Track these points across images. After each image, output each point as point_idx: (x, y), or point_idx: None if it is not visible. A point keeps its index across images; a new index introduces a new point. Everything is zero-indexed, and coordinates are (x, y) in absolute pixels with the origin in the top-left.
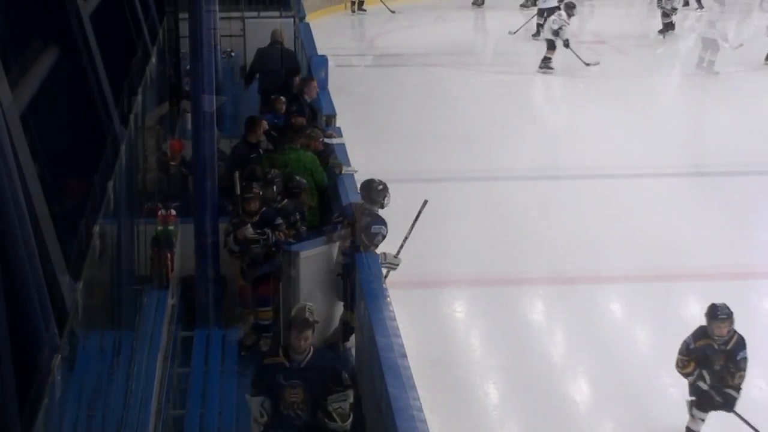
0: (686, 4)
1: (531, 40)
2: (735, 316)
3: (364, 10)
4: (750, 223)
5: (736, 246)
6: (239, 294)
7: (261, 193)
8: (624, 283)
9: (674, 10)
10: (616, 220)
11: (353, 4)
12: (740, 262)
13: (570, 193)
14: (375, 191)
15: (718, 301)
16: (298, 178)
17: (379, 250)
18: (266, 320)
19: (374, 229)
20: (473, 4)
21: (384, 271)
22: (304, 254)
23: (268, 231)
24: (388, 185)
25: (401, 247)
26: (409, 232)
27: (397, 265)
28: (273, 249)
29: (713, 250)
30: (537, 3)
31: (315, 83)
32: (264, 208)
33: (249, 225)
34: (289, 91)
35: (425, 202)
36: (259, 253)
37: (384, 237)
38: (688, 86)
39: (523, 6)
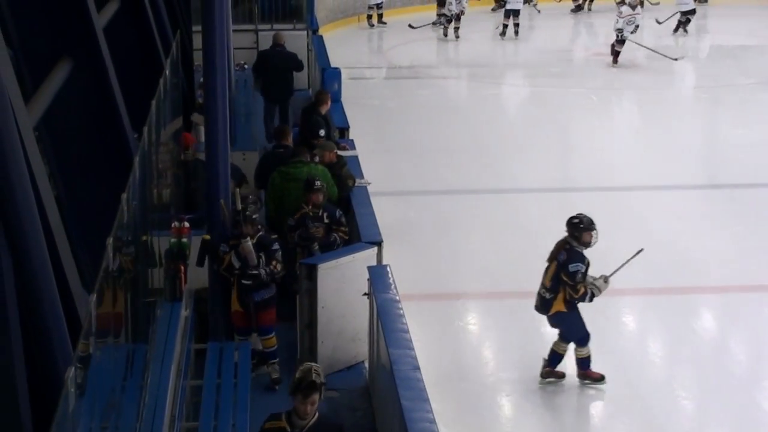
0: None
1: (542, 53)
2: (750, 329)
3: (384, 23)
4: (765, 235)
5: (750, 258)
6: (232, 320)
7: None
8: (637, 295)
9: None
10: (629, 232)
11: (370, 18)
12: (755, 274)
13: (583, 206)
14: (578, 229)
15: (732, 315)
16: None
17: None
18: (270, 348)
19: (572, 267)
20: (501, 34)
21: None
22: (322, 267)
23: (262, 256)
24: (401, 198)
25: (612, 274)
26: (617, 269)
27: (604, 287)
28: (268, 277)
29: (727, 262)
30: (505, 5)
31: (328, 97)
32: (261, 232)
33: (248, 239)
34: (290, 91)
35: (640, 250)
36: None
37: (583, 275)
38: (701, 98)
39: (493, 10)
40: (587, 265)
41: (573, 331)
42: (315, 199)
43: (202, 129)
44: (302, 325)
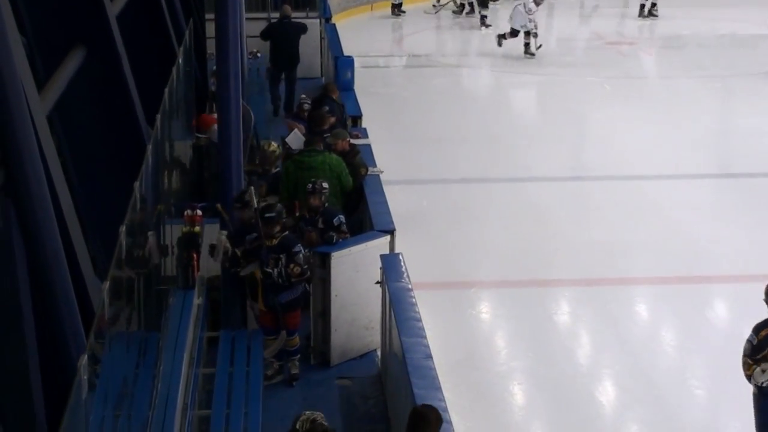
0: None
1: (556, 41)
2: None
3: (403, 12)
4: None
5: (765, 248)
6: (259, 321)
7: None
8: (651, 285)
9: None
10: (644, 221)
11: (393, 6)
12: None
13: (597, 195)
14: None
15: (745, 305)
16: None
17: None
18: (293, 347)
19: None
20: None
21: None
22: (336, 255)
23: (283, 259)
24: (414, 186)
25: None
26: None
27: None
28: (281, 279)
29: (742, 252)
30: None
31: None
32: (286, 232)
33: (224, 233)
34: (297, 58)
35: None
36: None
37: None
38: (714, 87)
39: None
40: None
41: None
42: (312, 201)
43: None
44: (315, 313)
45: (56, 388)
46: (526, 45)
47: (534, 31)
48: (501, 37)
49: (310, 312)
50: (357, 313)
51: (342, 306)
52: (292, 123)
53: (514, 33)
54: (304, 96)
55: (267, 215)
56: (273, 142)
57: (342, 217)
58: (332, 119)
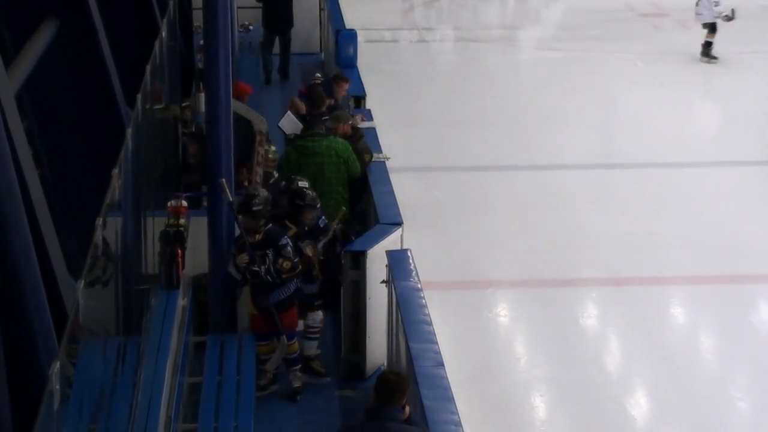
0: None
1: (581, 13)
2: None
3: None
4: None
5: None
6: (250, 325)
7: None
8: (687, 284)
9: None
10: (679, 213)
11: None
12: None
13: (627, 184)
14: None
15: None
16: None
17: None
18: (293, 354)
19: None
20: None
21: None
22: (372, 253)
23: (270, 255)
24: (423, 174)
25: None
26: None
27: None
28: (269, 276)
29: None
30: None
31: (347, 85)
32: (270, 225)
33: (245, 252)
34: (291, 21)
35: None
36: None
37: None
38: (758, 64)
39: None
40: None
41: None
42: (305, 217)
43: (202, 97)
44: (346, 318)
45: (25, 398)
46: (708, 45)
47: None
48: (707, 48)
49: (341, 318)
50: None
51: (377, 310)
52: (297, 101)
53: (712, 28)
54: (319, 74)
55: (254, 209)
56: (271, 146)
57: (324, 220)
58: (330, 101)
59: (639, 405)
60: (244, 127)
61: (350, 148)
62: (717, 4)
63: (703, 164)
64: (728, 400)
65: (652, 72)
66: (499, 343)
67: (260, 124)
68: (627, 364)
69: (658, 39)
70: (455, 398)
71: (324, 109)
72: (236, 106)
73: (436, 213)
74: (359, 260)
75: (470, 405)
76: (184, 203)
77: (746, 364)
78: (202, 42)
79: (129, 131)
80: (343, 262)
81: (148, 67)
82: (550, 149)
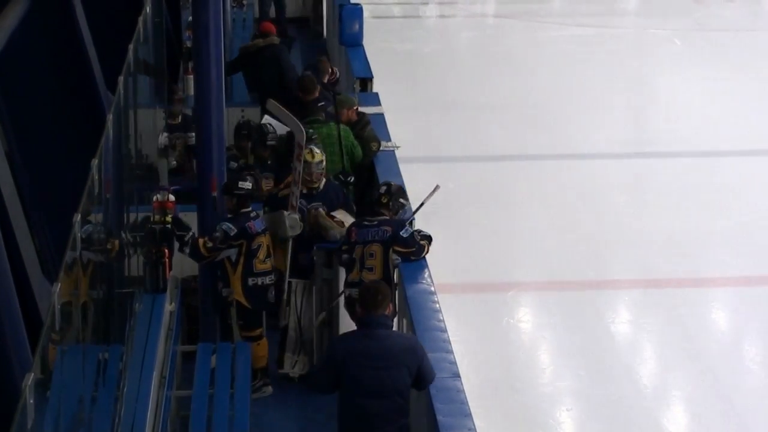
0: None
1: None
2: None
3: None
4: None
5: None
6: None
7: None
8: (730, 287)
9: None
10: (722, 208)
11: None
12: None
13: (664, 175)
14: None
15: None
16: None
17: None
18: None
19: None
20: None
21: None
22: None
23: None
24: (437, 165)
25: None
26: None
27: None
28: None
29: None
30: None
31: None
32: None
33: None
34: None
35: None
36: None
37: None
38: None
39: None
40: None
41: None
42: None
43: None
44: (318, 322)
45: None
46: None
47: None
48: None
49: (312, 320)
50: None
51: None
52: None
53: None
54: (324, 58)
55: (240, 191)
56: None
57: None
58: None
59: (676, 421)
60: (286, 140)
61: (352, 135)
62: None
63: (747, 153)
64: None
65: (692, 50)
66: (522, 353)
67: (299, 133)
68: (663, 376)
69: (698, 13)
70: (473, 413)
71: (317, 95)
72: (276, 110)
73: (451, 207)
74: (331, 259)
75: (489, 421)
76: (172, 198)
77: None
78: (190, 18)
79: (110, 117)
80: (315, 259)
81: (131, 46)
82: (578, 137)
